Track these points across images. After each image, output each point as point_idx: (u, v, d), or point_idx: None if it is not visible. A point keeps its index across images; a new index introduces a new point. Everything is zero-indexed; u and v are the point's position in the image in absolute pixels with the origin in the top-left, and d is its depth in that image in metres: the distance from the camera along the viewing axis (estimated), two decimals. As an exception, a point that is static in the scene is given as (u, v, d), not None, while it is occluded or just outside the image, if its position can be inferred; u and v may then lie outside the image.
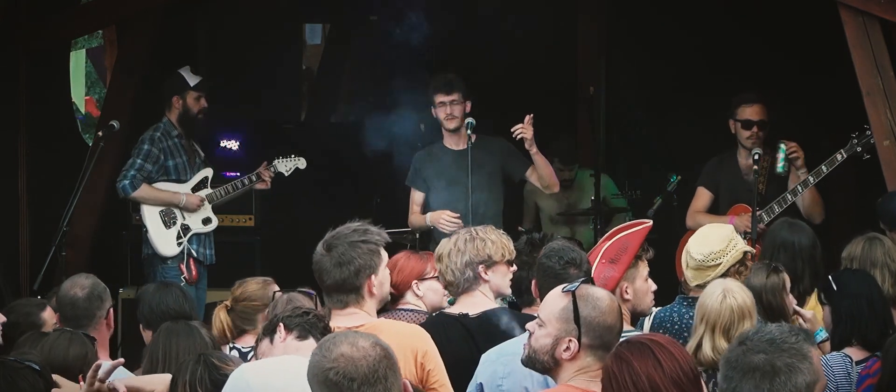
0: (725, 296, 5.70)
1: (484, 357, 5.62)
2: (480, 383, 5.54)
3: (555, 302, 4.63)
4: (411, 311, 6.43)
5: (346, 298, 5.39)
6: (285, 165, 9.78)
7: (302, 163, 9.83)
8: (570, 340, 4.54)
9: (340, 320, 5.30)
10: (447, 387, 5.45)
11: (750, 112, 9.22)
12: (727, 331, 5.63)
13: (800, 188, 8.94)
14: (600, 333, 4.55)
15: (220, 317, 6.30)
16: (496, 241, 6.19)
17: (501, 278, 6.19)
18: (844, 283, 6.24)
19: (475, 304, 6.12)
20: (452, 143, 9.04)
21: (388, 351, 3.88)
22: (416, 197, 9.21)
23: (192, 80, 9.60)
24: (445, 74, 9.11)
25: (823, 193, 9.55)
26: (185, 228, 9.53)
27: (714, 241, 6.43)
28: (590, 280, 5.47)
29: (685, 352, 4.13)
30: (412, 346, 5.34)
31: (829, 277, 6.32)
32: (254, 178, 9.74)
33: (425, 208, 9.13)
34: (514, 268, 6.24)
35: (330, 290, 5.38)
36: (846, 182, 10.77)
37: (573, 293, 4.59)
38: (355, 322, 5.28)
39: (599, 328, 4.56)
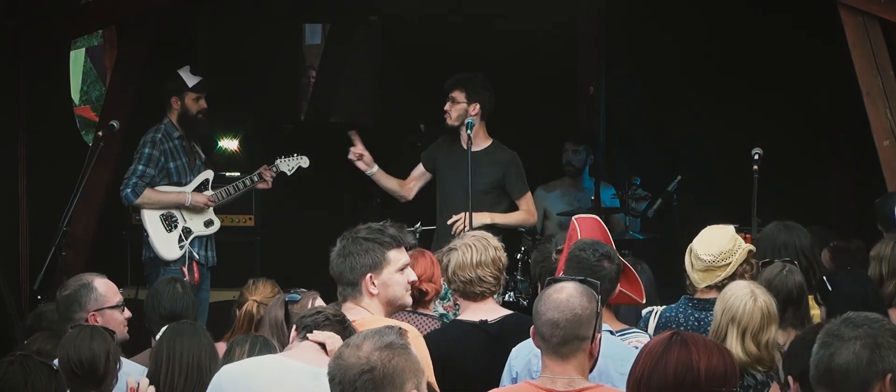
0: (756, 298, 5.66)
1: (515, 350, 5.60)
2: (516, 373, 5.52)
3: None
4: (424, 315, 6.42)
5: (344, 292, 5.38)
6: (288, 165, 9.72)
7: (304, 161, 9.77)
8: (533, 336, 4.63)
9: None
10: None
11: None
12: (756, 335, 5.59)
13: None
14: (534, 320, 4.59)
15: (251, 311, 6.39)
16: (500, 248, 6.20)
17: None
18: (838, 284, 6.25)
19: (490, 310, 6.11)
20: (463, 142, 9.01)
21: (392, 363, 3.69)
22: (417, 170, 9.30)
23: (191, 81, 9.54)
24: (459, 73, 9.10)
25: (824, 194, 9.56)
26: (187, 231, 9.49)
27: (721, 241, 6.42)
28: (616, 276, 5.50)
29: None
30: None
31: (823, 279, 6.32)
32: (256, 179, 9.69)
33: (441, 194, 9.22)
34: None
35: (335, 282, 5.40)
36: (846, 182, 10.79)
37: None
38: (350, 316, 5.26)
39: (534, 316, 4.60)
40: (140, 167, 9.33)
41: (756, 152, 9.10)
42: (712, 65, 11.02)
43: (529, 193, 9.19)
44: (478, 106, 8.94)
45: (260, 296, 6.56)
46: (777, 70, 10.75)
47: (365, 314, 5.33)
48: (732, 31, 11.00)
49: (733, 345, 5.58)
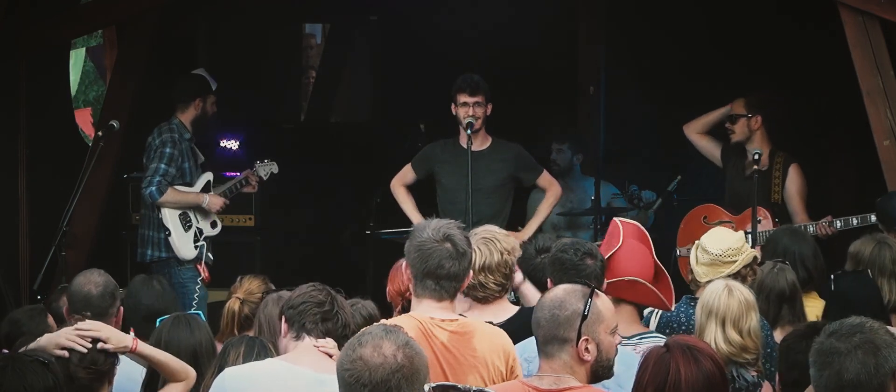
0: (731, 290, 5.72)
1: None
2: None
3: None
4: None
5: (453, 289, 5.22)
6: (264, 170, 9.88)
7: (274, 167, 9.93)
8: None
9: (433, 311, 5.17)
10: None
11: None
12: (737, 323, 5.64)
13: (811, 227, 8.93)
14: (534, 327, 4.60)
15: (234, 308, 6.31)
16: (509, 250, 6.15)
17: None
18: (841, 287, 6.25)
19: (498, 310, 6.01)
20: (463, 142, 9.04)
21: (415, 360, 3.78)
22: (408, 175, 9.32)
23: (214, 84, 9.69)
24: (471, 75, 9.11)
25: (824, 193, 9.56)
26: (200, 231, 9.60)
27: (731, 238, 6.46)
28: (601, 272, 5.50)
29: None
30: (505, 348, 5.22)
31: (831, 279, 6.30)
32: (243, 183, 9.84)
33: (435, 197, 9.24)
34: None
35: (442, 279, 5.16)
36: (846, 182, 10.78)
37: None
38: (448, 316, 5.18)
39: (533, 321, 4.61)
40: (162, 166, 9.38)
41: (756, 153, 9.12)
42: (712, 65, 11.01)
43: (545, 170, 9.44)
44: (491, 105, 9.05)
45: (243, 293, 6.41)
46: (777, 70, 10.74)
47: (453, 314, 5.25)
48: (732, 31, 10.99)
49: (716, 337, 5.62)
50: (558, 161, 10.74)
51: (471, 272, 5.30)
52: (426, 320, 5.14)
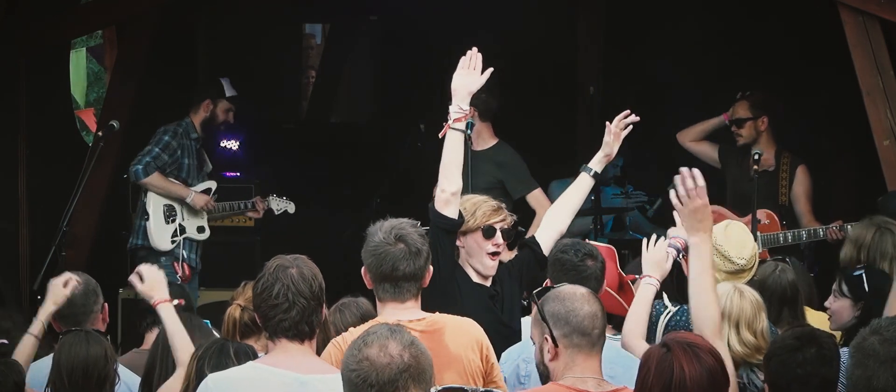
0: (742, 293, 5.71)
1: (505, 354, 5.59)
2: (505, 377, 5.47)
3: (532, 313, 4.62)
4: None
5: (414, 288, 5.20)
6: (277, 204, 9.97)
7: (292, 208, 10.03)
8: (545, 341, 4.51)
9: (399, 314, 5.13)
10: (503, 381, 5.36)
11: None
12: (751, 324, 5.64)
13: (821, 232, 8.91)
14: (567, 320, 4.48)
15: (234, 315, 6.27)
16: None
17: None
18: (872, 280, 6.25)
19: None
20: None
21: (421, 359, 3.80)
22: None
23: (229, 92, 9.73)
24: None
25: (824, 193, 9.55)
26: (182, 229, 9.60)
27: (749, 242, 6.32)
28: (601, 273, 5.49)
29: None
30: (478, 339, 5.20)
31: (862, 275, 6.29)
32: (249, 206, 9.91)
33: None
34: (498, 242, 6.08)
35: (399, 280, 5.16)
36: (846, 182, 10.78)
37: (537, 296, 4.57)
38: (415, 316, 5.16)
39: (565, 317, 4.49)
40: (155, 150, 9.47)
41: (756, 153, 9.11)
42: (712, 64, 11.02)
43: (538, 189, 8.92)
44: (472, 109, 8.85)
45: (244, 300, 6.33)
46: (777, 70, 10.74)
47: (425, 313, 5.24)
48: (732, 31, 11.00)
49: (730, 339, 5.61)
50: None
51: (430, 268, 5.24)
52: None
